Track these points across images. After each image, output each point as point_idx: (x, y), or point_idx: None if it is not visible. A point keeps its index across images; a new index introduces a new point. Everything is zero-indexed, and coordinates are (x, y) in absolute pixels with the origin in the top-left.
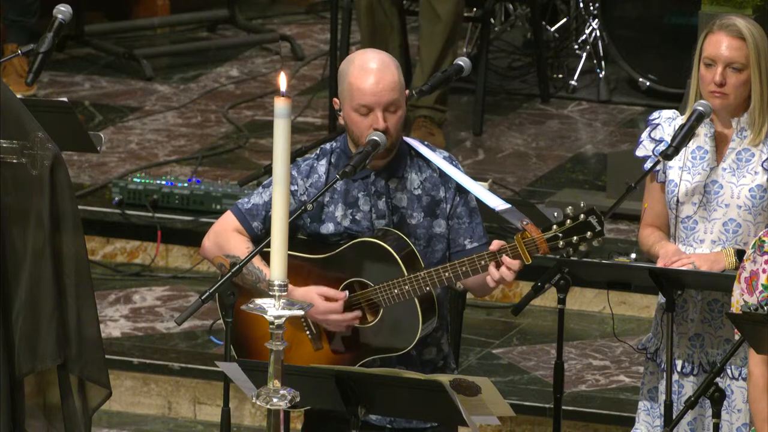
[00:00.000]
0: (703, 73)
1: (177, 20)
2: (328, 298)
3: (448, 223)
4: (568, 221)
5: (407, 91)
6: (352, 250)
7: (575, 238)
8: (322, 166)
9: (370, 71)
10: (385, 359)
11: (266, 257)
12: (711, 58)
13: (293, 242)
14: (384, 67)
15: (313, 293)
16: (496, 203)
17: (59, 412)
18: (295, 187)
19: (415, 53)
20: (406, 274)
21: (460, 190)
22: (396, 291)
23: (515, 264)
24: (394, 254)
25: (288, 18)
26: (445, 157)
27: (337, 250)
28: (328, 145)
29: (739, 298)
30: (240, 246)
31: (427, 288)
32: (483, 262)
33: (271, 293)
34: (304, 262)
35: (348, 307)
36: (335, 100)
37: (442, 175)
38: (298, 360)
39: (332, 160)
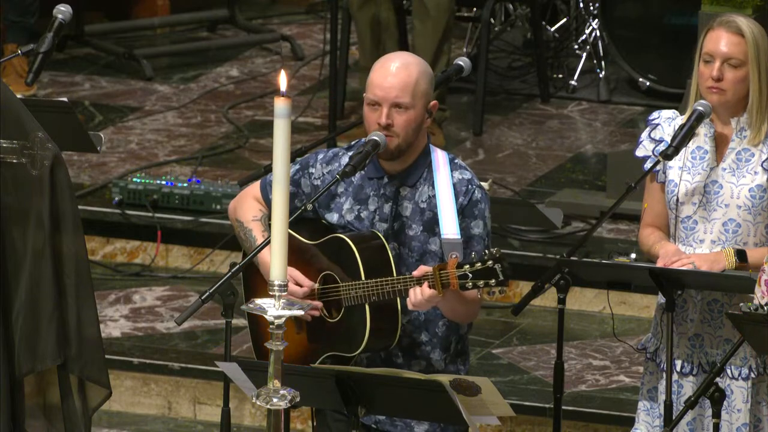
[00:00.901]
0: (702, 70)
1: (177, 20)
2: (296, 282)
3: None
4: (478, 264)
5: None
6: (331, 242)
7: (481, 282)
8: (345, 158)
9: (387, 67)
10: (371, 360)
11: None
12: (709, 54)
13: (304, 218)
14: (403, 67)
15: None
16: (448, 231)
17: (59, 412)
18: (313, 170)
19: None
20: (363, 278)
21: (467, 215)
22: (353, 293)
23: (429, 293)
24: (357, 257)
25: (288, 18)
26: (465, 179)
27: (321, 240)
28: (360, 141)
29: (761, 300)
30: (251, 210)
31: (373, 298)
32: (401, 287)
33: (270, 293)
34: (298, 242)
35: (320, 297)
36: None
37: (455, 193)
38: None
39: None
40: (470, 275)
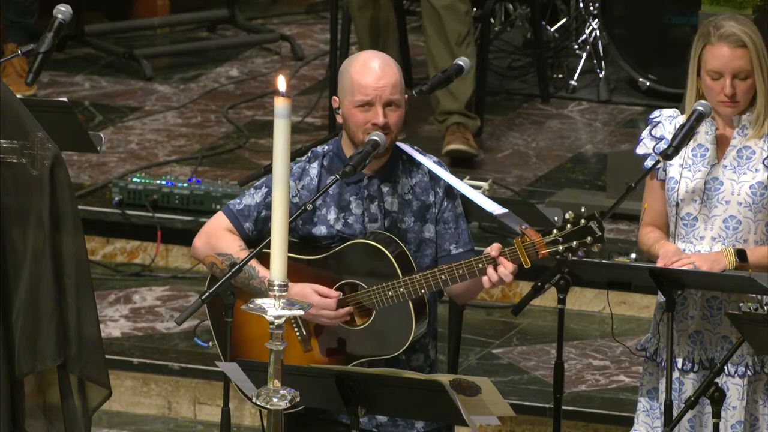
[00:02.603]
0: (711, 85)
1: (177, 20)
2: (322, 295)
3: (435, 228)
4: (569, 226)
5: (412, 92)
6: (346, 251)
7: (575, 243)
8: (314, 169)
9: (372, 67)
10: (374, 362)
11: (259, 257)
12: (717, 72)
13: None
14: (386, 66)
15: (308, 289)
16: (493, 207)
17: (59, 412)
18: None
19: (416, 53)
20: (400, 276)
21: (449, 195)
22: (390, 293)
23: (513, 267)
24: (390, 256)
25: (288, 18)
26: (435, 162)
27: (332, 251)
28: (320, 149)
29: None
30: (232, 245)
31: (422, 291)
32: (481, 265)
33: (270, 293)
34: (297, 262)
35: (339, 307)
36: (335, 98)
37: (432, 179)
38: (286, 361)
39: (324, 163)
40: (560, 239)
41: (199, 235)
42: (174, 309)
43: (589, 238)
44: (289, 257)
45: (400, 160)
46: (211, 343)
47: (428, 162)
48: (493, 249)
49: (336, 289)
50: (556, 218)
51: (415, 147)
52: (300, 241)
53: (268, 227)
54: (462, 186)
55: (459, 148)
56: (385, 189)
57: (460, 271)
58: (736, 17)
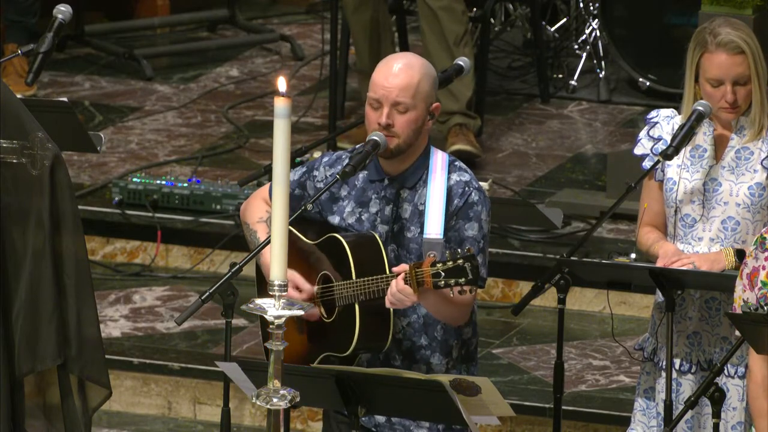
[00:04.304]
0: (712, 93)
1: (177, 20)
2: (296, 287)
3: None
4: (450, 262)
5: None
6: (326, 243)
7: (452, 280)
8: (347, 160)
9: (390, 67)
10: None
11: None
12: (717, 80)
13: (308, 214)
14: (406, 68)
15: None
16: (431, 231)
17: (59, 412)
18: (317, 173)
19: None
20: (354, 278)
21: (462, 216)
22: (345, 293)
23: (402, 288)
24: (350, 256)
25: (288, 18)
26: (464, 183)
27: (320, 240)
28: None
29: (741, 294)
30: (257, 212)
31: (361, 297)
32: (381, 285)
33: (270, 293)
34: (296, 240)
35: (318, 296)
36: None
37: (451, 195)
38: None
39: None
40: (443, 273)
41: (247, 199)
42: (174, 309)
43: (462, 279)
44: (297, 235)
45: (425, 169)
46: None
47: (439, 183)
48: (398, 268)
49: (321, 277)
50: (447, 252)
51: (457, 163)
52: (319, 221)
53: (294, 204)
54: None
55: (464, 149)
56: (404, 195)
57: (373, 287)
58: (730, 21)
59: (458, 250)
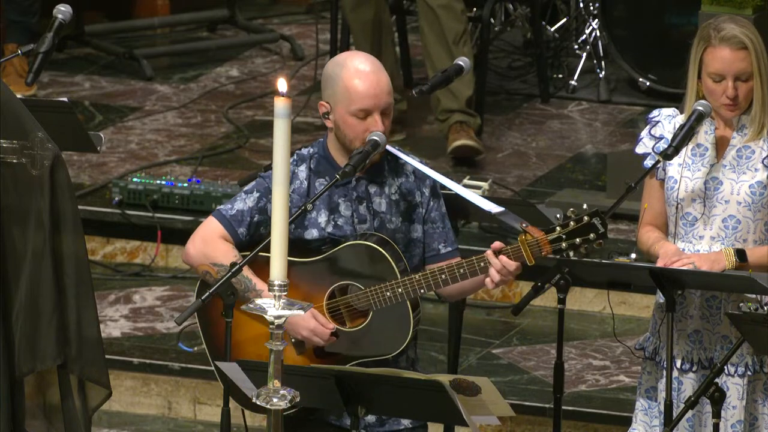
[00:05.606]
0: (713, 88)
1: (177, 20)
2: (320, 323)
3: (423, 228)
4: (572, 223)
5: (412, 91)
6: (342, 253)
7: (578, 239)
8: (302, 172)
9: (366, 74)
10: (366, 363)
11: (254, 267)
12: (719, 74)
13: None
14: (378, 70)
15: (308, 313)
16: (490, 206)
17: (59, 412)
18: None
19: (416, 53)
20: (398, 276)
21: (434, 194)
22: (388, 294)
23: (515, 266)
24: (387, 256)
25: (288, 18)
26: (420, 162)
27: (326, 254)
28: (305, 151)
29: None
30: (228, 255)
31: (422, 291)
32: (483, 264)
33: (271, 293)
34: (292, 265)
35: (330, 312)
36: (322, 103)
37: (417, 179)
38: None
39: (312, 166)
40: (564, 236)
41: (192, 241)
42: (174, 309)
43: (592, 235)
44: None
45: (385, 160)
46: (195, 348)
47: (414, 162)
48: (495, 246)
49: (329, 293)
50: (558, 215)
51: (397, 147)
52: (291, 244)
53: (260, 232)
54: (457, 187)
55: (467, 144)
56: (372, 190)
57: (461, 270)
58: (735, 18)
59: (570, 210)
